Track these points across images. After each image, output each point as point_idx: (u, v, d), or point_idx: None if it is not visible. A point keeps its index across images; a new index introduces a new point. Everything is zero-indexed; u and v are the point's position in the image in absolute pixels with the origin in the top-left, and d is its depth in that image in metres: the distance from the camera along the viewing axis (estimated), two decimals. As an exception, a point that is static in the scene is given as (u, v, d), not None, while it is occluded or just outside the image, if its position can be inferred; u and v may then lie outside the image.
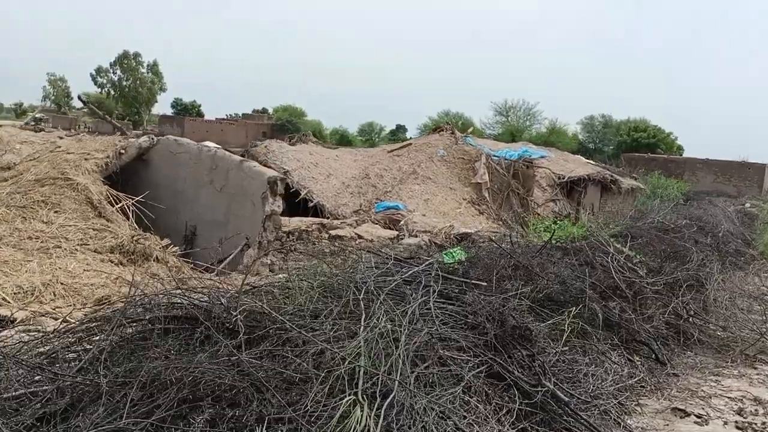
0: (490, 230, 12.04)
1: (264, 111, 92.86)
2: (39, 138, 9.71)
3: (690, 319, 7.82)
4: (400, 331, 4.13)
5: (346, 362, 3.64)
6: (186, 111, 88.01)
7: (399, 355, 3.96)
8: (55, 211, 7.76)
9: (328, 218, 15.12)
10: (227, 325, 3.53)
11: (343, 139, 75.63)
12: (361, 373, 3.66)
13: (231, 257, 7.90)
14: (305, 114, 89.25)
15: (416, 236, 13.92)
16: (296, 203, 15.76)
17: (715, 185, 41.29)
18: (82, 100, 9.90)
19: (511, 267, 5.83)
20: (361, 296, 4.33)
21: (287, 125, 73.83)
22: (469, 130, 19.02)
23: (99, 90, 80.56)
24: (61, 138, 9.81)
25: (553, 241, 7.93)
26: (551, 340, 5.16)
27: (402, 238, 13.68)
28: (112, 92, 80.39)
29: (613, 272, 6.99)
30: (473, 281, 5.22)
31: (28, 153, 9.03)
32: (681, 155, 54.93)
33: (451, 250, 6.38)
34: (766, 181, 43.11)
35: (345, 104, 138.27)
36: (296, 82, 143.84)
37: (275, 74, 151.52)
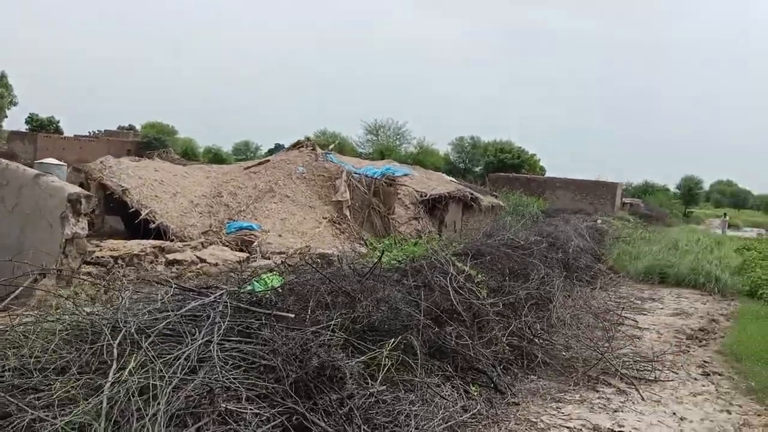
0: (350, 250, 11.39)
1: (131, 128, 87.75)
2: None
3: (534, 340, 7.55)
4: (163, 384, 3.27)
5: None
6: (42, 127, 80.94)
7: (155, 415, 3.09)
8: None
9: (172, 240, 13.81)
10: None
11: (216, 158, 72.88)
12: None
13: (19, 290, 6.55)
14: (176, 131, 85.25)
15: (269, 258, 13.01)
16: (136, 225, 14.31)
17: (573, 203, 43.70)
18: None
19: (331, 294, 5.14)
20: (116, 342, 3.42)
21: (154, 142, 70.07)
22: (330, 146, 18.45)
23: (-69, 103, 72.11)
24: None
25: (396, 262, 7.39)
26: (369, 378, 4.50)
27: (253, 261, 12.71)
28: (-49, 105, 72.19)
29: (451, 294, 6.53)
30: (277, 313, 4.46)
31: None
32: (543, 175, 58.04)
33: (265, 276, 5.62)
34: (618, 198, 46.46)
35: (220, 122, 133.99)
36: (170, 97, 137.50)
37: (147, 89, 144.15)
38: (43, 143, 62.50)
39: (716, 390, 7.20)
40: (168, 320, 3.79)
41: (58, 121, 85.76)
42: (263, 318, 4.32)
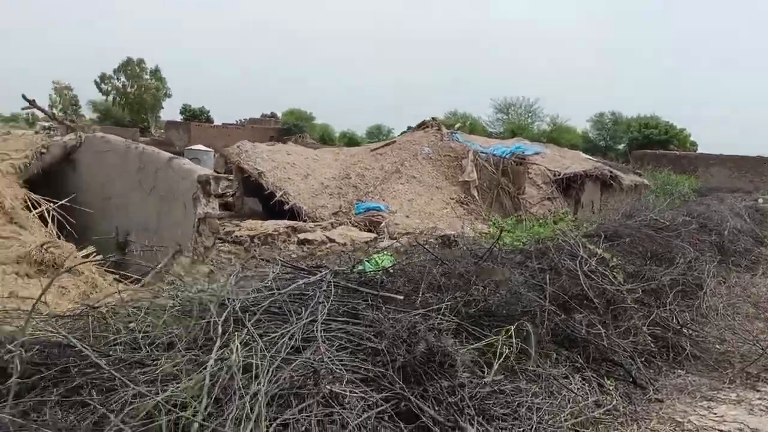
0: (470, 230, 11.04)
1: (273, 115, 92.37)
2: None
3: (681, 331, 6.78)
4: (265, 363, 3.18)
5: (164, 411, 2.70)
6: (194, 117, 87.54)
7: (255, 395, 3.01)
8: (-43, 219, 6.91)
9: (305, 221, 14.20)
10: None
11: (351, 142, 74.87)
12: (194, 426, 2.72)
13: (159, 267, 6.95)
14: (314, 117, 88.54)
15: (395, 238, 12.96)
16: (272, 206, 14.86)
17: (730, 181, 39.88)
18: (26, 99, 9.12)
19: (444, 275, 4.84)
20: (221, 319, 3.38)
21: (293, 129, 73.25)
22: (456, 126, 17.96)
23: (104, 97, 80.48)
24: (-12, 139, 8.96)
25: (520, 243, 6.94)
26: (486, 367, 4.17)
27: (381, 241, 12.73)
28: (118, 99, 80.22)
29: (581, 278, 5.97)
30: (385, 294, 4.25)
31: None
32: (695, 151, 53.36)
33: (377, 256, 5.43)
34: (784, 175, 41.60)
35: (355, 107, 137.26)
36: (308, 85, 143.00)
37: (285, 79, 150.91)
38: (195, 132, 67.48)
39: None
40: (272, 299, 3.70)
41: (209, 111, 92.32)
42: (370, 299, 4.13)
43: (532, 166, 17.54)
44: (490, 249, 5.58)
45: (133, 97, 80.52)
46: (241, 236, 11.58)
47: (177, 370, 3.04)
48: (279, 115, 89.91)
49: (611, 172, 18.54)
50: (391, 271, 4.91)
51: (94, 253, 7.30)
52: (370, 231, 13.51)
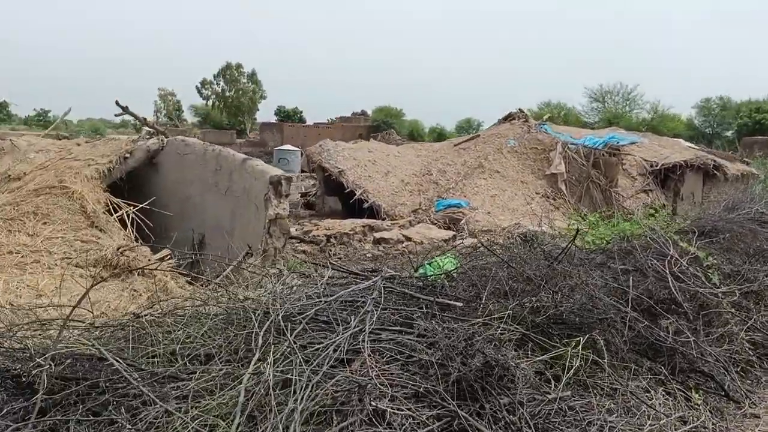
0: (549, 227, 10.51)
1: (363, 113, 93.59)
2: (57, 146, 9.42)
3: (786, 339, 6.06)
4: (303, 378, 3.04)
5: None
6: (288, 117, 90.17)
7: (292, 412, 2.87)
8: (44, 222, 7.29)
9: (384, 219, 14.13)
10: (23, 379, 2.56)
11: (440, 137, 74.47)
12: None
13: (230, 268, 7.02)
14: (403, 114, 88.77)
15: (476, 236, 12.60)
16: (352, 204, 14.90)
17: None
18: (119, 105, 9.60)
19: (512, 279, 4.52)
20: (263, 329, 3.27)
21: (383, 126, 73.73)
22: (545, 117, 17.16)
23: (204, 102, 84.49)
24: (78, 144, 9.46)
25: (603, 242, 6.46)
26: (553, 380, 3.83)
27: (462, 239, 12.42)
28: (217, 103, 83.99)
29: (669, 280, 5.44)
30: (441, 300, 3.99)
31: (41, 162, 8.72)
32: (815, 135, 48.84)
33: (439, 259, 5.16)
34: None
35: (445, 100, 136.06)
36: (399, 82, 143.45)
37: (378, 75, 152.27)
38: (288, 132, 69.42)
39: None
40: (318, 307, 3.55)
41: (302, 112, 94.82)
42: (426, 306, 3.89)
43: (626, 156, 16.55)
44: (566, 249, 5.17)
45: (231, 101, 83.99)
46: (318, 236, 11.64)
47: (212, 384, 2.95)
48: (369, 112, 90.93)
49: (714, 161, 17.16)
50: (454, 275, 4.64)
51: (169, 256, 7.48)
52: (449, 228, 13.23)
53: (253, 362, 3.05)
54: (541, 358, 3.85)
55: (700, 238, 7.51)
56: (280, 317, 3.33)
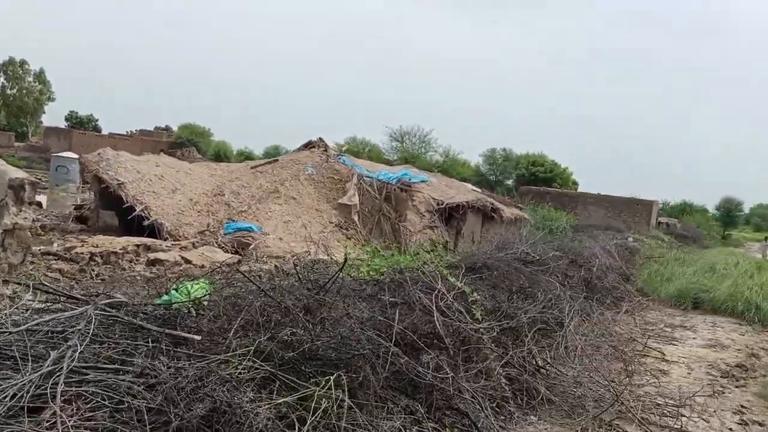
0: (325, 256, 10.37)
1: (167, 128, 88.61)
2: None
3: (537, 373, 6.41)
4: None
5: None
6: (81, 125, 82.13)
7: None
8: None
9: (166, 239, 13.01)
10: None
11: (248, 161, 72.58)
12: None
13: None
14: (211, 134, 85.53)
15: (265, 262, 12.08)
16: (131, 221, 13.55)
17: (606, 220, 42.07)
18: None
19: (268, 310, 4.10)
20: None
21: (187, 143, 70.35)
22: (344, 148, 17.37)
23: (-19, 98, 74.06)
24: None
25: (375, 273, 6.35)
26: (297, 424, 3.45)
27: (245, 264, 11.79)
28: (-5, 101, 73.98)
29: (435, 315, 5.44)
30: (172, 332, 3.44)
31: None
32: (576, 190, 56.21)
33: (189, 284, 4.62)
34: (653, 217, 44.52)
35: (257, 126, 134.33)
36: (211, 103, 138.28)
37: (187, 94, 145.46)
38: (78, 140, 63.11)
39: (756, 447, 5.96)
40: (3, 339, 2.80)
41: (97, 120, 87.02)
42: (156, 340, 3.31)
43: (416, 193, 17.28)
44: (333, 278, 4.91)
45: (13, 100, 74.50)
46: (81, 253, 10.29)
47: None
48: (175, 128, 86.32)
49: (492, 204, 18.66)
50: (204, 303, 4.11)
51: None
52: (237, 253, 12.56)
53: None
54: (284, 399, 3.46)
55: (470, 273, 7.81)
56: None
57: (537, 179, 57.40)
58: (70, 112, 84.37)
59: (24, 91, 75.56)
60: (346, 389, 3.86)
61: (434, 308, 5.55)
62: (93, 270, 9.63)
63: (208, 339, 3.57)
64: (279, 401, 3.47)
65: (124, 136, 76.55)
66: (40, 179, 12.98)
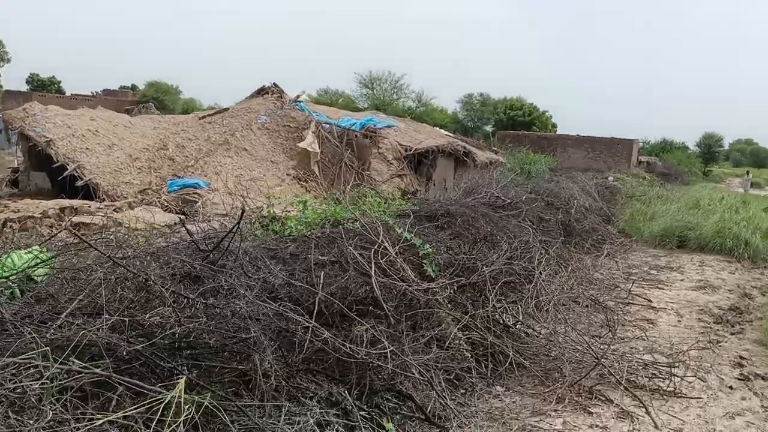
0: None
1: (133, 87, 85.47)
2: None
3: (503, 335, 5.43)
4: None
5: None
6: (43, 87, 78.83)
7: None
8: None
9: (102, 200, 11.77)
10: None
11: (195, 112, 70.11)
12: None
13: None
14: (179, 91, 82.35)
15: (210, 220, 10.92)
16: (63, 182, 12.26)
17: (586, 161, 41.16)
18: None
19: (119, 286, 3.01)
20: None
21: (152, 102, 67.81)
22: (302, 95, 15.98)
23: None
24: None
25: (304, 228, 5.25)
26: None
27: (190, 224, 10.62)
28: (-60, 64, 70.28)
29: (373, 275, 4.37)
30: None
31: None
32: (555, 133, 55.15)
33: (15, 254, 3.49)
34: (634, 156, 43.72)
35: (229, 80, 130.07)
36: (181, 58, 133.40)
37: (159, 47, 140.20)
38: (39, 102, 60.39)
39: (762, 406, 5.07)
40: None
41: (60, 82, 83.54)
42: None
43: (382, 140, 16.05)
44: (223, 239, 3.79)
45: (-38, 62, 70.90)
46: (-4, 220, 9.06)
47: None
48: (142, 87, 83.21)
49: (465, 147, 17.50)
50: (38, 279, 3.00)
51: None
52: (181, 212, 11.38)
53: None
54: (124, 412, 2.39)
55: (427, 222, 6.75)
56: None
57: (516, 123, 56.14)
58: (31, 74, 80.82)
59: (-26, 52, 71.97)
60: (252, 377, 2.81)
61: (372, 267, 4.48)
62: (6, 237, 8.42)
63: (5, 331, 2.47)
64: (117, 414, 2.40)
65: (87, 97, 73.68)
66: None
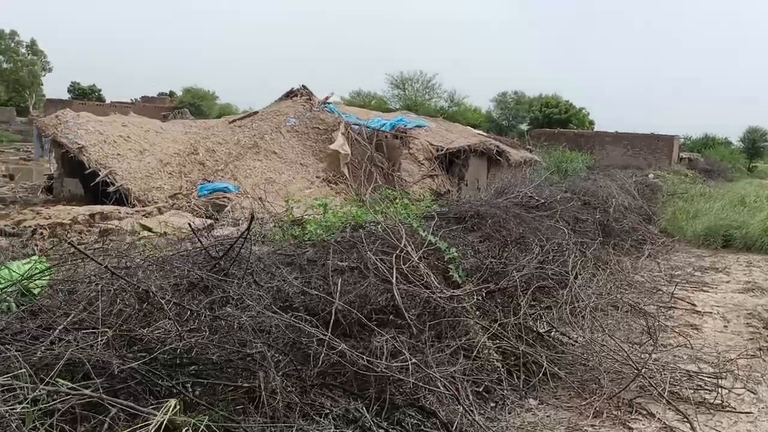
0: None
1: (171, 94, 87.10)
2: None
3: (535, 344, 5.14)
4: None
5: None
6: (84, 95, 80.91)
7: None
8: None
9: (134, 205, 11.83)
10: None
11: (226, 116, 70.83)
12: None
13: None
14: (216, 97, 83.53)
15: (239, 224, 10.86)
16: (96, 187, 12.36)
17: (625, 158, 40.20)
18: None
19: (120, 298, 2.85)
20: None
21: (189, 108, 68.88)
22: (331, 96, 15.82)
23: (-24, 75, 72.86)
24: None
25: (322, 233, 5.06)
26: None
27: (219, 229, 10.57)
28: (-13, 76, 72.66)
29: (394, 282, 4.14)
30: None
31: None
32: (592, 130, 54.03)
33: (15, 264, 3.39)
34: (675, 152, 42.48)
35: (265, 85, 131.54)
36: (215, 64, 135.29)
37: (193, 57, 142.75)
38: (79, 110, 61.90)
39: (820, 422, 4.66)
40: None
41: (100, 90, 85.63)
42: None
43: (413, 140, 15.81)
44: (231, 247, 3.61)
45: (9, 74, 73.10)
46: (27, 227, 9.15)
47: None
48: (179, 93, 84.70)
49: (498, 147, 17.12)
50: (36, 291, 2.88)
51: None
52: (211, 217, 11.35)
53: None
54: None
55: (456, 223, 6.49)
56: None
57: (552, 121, 55.19)
58: (72, 83, 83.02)
59: (18, 64, 74.10)
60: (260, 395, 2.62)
61: (394, 273, 4.25)
62: (36, 244, 8.47)
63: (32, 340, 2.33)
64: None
65: (126, 104, 75.30)
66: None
